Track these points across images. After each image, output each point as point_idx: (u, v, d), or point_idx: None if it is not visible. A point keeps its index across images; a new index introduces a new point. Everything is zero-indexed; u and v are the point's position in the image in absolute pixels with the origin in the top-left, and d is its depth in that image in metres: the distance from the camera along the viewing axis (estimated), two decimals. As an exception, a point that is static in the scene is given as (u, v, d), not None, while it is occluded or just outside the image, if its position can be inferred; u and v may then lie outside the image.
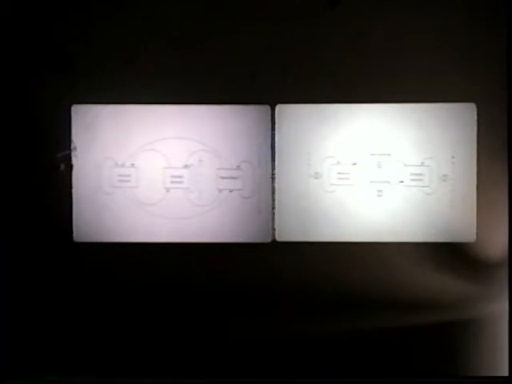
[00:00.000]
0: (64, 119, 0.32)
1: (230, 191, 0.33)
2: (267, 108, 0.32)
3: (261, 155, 0.32)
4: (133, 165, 0.33)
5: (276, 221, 0.32)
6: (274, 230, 0.32)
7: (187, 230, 0.32)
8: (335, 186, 0.32)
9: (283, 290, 0.32)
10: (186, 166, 0.33)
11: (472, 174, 0.32)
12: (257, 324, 0.32)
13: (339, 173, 0.32)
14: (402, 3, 0.32)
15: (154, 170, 0.33)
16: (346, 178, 0.32)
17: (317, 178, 0.32)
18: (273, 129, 0.32)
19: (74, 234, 0.32)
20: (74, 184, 0.32)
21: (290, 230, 0.32)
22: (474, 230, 0.32)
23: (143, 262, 0.32)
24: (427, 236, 0.32)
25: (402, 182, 0.32)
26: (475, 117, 0.32)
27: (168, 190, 0.33)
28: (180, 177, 0.33)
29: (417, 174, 0.32)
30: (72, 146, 0.32)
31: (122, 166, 0.33)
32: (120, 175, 0.33)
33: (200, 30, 0.32)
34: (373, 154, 0.32)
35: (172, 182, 0.33)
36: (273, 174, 0.32)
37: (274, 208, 0.32)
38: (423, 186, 0.32)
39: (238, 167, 0.32)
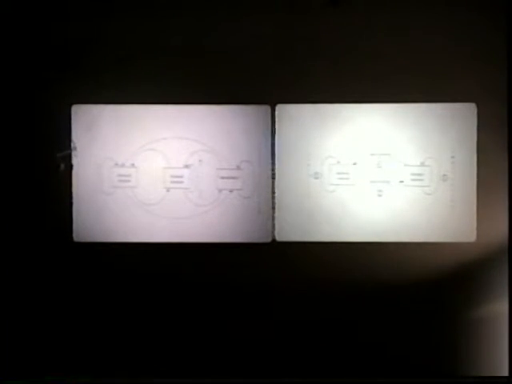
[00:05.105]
0: (64, 119, 0.32)
1: (230, 191, 0.33)
2: (267, 108, 0.32)
3: (261, 155, 0.32)
4: (133, 165, 0.33)
5: (276, 221, 0.32)
6: (273, 229, 0.32)
7: (187, 230, 0.32)
8: (335, 186, 0.32)
9: (283, 290, 0.32)
10: (186, 166, 0.33)
11: (472, 174, 0.32)
12: (256, 324, 0.32)
13: (339, 173, 0.32)
14: (403, 3, 0.32)
15: (154, 169, 0.33)
16: (346, 178, 0.32)
17: (317, 178, 0.32)
18: (273, 129, 0.32)
19: (74, 234, 0.32)
20: (73, 184, 0.32)
21: (290, 230, 0.32)
22: (474, 230, 0.32)
23: (143, 262, 0.32)
24: (427, 236, 0.32)
25: (402, 181, 0.32)
26: (475, 117, 0.32)
27: (168, 189, 0.33)
28: (180, 177, 0.33)
29: (417, 174, 0.32)
30: (72, 145, 0.32)
31: (122, 166, 0.33)
32: (120, 175, 0.33)
33: (200, 29, 0.32)
34: (373, 154, 0.32)
35: (172, 182, 0.33)
36: (273, 174, 0.32)
37: (273, 208, 0.32)
38: (423, 186, 0.32)
39: (238, 167, 0.32)
